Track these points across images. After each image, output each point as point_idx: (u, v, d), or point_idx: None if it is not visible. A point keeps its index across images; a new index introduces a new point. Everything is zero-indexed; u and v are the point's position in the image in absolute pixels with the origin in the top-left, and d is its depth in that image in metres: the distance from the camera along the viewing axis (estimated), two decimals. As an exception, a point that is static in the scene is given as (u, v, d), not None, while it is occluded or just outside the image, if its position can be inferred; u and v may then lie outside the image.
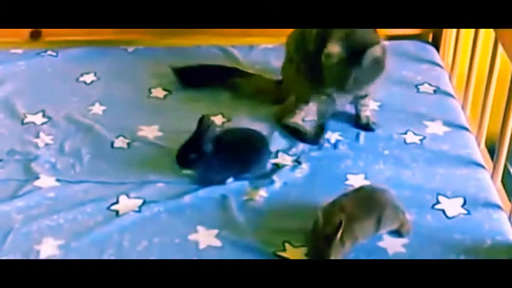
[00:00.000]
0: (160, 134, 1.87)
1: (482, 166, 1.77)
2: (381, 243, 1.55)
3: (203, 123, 1.67)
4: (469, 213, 1.63)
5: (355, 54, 1.66)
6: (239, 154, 1.69)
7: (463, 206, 1.65)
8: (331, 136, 1.86)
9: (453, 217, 1.62)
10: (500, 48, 1.77)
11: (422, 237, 1.56)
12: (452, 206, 1.64)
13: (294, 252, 1.52)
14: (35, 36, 2.18)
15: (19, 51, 2.18)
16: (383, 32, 2.25)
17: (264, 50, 2.21)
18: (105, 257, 1.51)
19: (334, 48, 1.66)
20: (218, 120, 1.91)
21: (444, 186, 1.69)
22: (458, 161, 1.78)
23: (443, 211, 1.63)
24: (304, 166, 1.75)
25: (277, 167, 1.75)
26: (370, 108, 1.89)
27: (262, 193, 1.67)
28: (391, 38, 2.23)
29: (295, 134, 1.85)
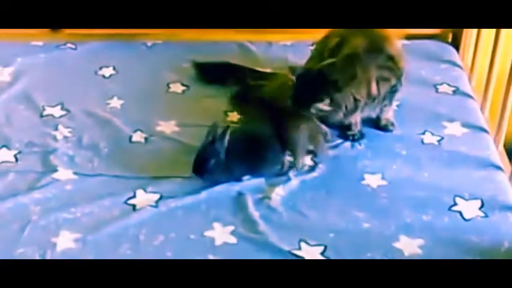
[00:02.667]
0: (177, 129, 1.87)
1: (500, 168, 1.76)
2: (396, 244, 1.54)
3: (216, 131, 1.65)
4: (486, 215, 1.62)
5: None
6: (250, 152, 1.69)
7: (480, 208, 1.64)
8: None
9: (470, 219, 1.61)
10: (521, 50, 1.76)
11: (438, 238, 1.56)
12: (470, 208, 1.63)
13: (310, 251, 1.52)
14: (55, 29, 2.19)
15: (39, 43, 2.19)
16: (402, 31, 2.24)
17: (282, 46, 2.21)
18: (121, 251, 1.52)
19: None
20: (235, 116, 1.92)
21: (462, 188, 1.68)
22: (476, 162, 1.77)
23: (461, 213, 1.63)
24: (321, 165, 1.75)
25: (294, 165, 1.75)
26: (392, 109, 1.88)
27: (279, 191, 1.67)
28: (410, 37, 2.22)
29: None
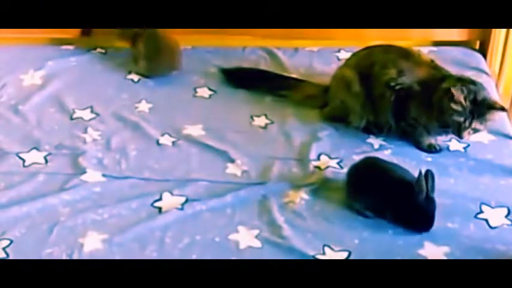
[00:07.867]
0: (204, 133, 1.89)
1: (527, 176, 1.75)
2: (421, 251, 1.54)
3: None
4: (513, 223, 1.61)
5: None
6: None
7: (507, 216, 1.63)
8: (375, 141, 1.86)
9: (496, 227, 1.60)
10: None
11: (464, 246, 1.55)
12: (496, 216, 1.62)
13: (334, 257, 1.53)
14: (86, 33, 2.23)
15: (70, 47, 2.23)
16: (430, 37, 2.24)
17: (308, 52, 2.22)
18: (147, 252, 1.54)
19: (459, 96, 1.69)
20: (261, 121, 1.93)
21: (488, 195, 1.68)
22: (503, 170, 1.76)
23: (487, 221, 1.62)
24: (347, 170, 1.75)
25: (319, 169, 1.76)
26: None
27: (304, 196, 1.68)
28: (438, 44, 2.22)
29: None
